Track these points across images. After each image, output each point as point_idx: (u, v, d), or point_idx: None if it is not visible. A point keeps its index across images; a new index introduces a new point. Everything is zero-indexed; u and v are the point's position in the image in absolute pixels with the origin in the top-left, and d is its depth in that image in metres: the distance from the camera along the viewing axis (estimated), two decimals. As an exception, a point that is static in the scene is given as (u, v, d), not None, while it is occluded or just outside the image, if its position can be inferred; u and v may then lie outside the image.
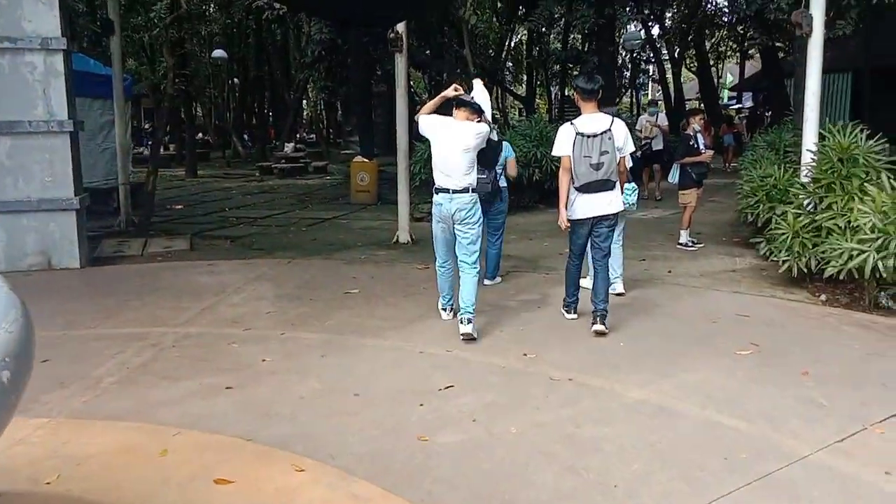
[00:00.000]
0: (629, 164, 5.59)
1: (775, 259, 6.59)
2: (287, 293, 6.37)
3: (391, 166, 17.43)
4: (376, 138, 19.25)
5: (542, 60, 20.54)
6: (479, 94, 5.55)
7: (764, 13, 15.91)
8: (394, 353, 4.68)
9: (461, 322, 4.89)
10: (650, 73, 30.96)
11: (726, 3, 27.61)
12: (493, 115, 6.30)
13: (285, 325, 5.31)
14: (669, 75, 29.38)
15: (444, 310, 5.51)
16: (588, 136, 4.94)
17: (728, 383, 4.07)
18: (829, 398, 3.80)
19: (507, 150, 6.49)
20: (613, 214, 5.16)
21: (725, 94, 39.39)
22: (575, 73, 21.11)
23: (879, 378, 4.10)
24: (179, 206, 13.62)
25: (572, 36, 18.66)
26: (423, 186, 12.05)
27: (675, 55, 28.66)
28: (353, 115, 33.74)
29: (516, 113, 46.01)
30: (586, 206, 5.06)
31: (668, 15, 26.98)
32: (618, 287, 6.16)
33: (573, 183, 5.03)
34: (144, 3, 21.37)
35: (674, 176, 8.75)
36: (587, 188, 4.99)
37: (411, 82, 28.33)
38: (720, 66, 36.84)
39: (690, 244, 8.50)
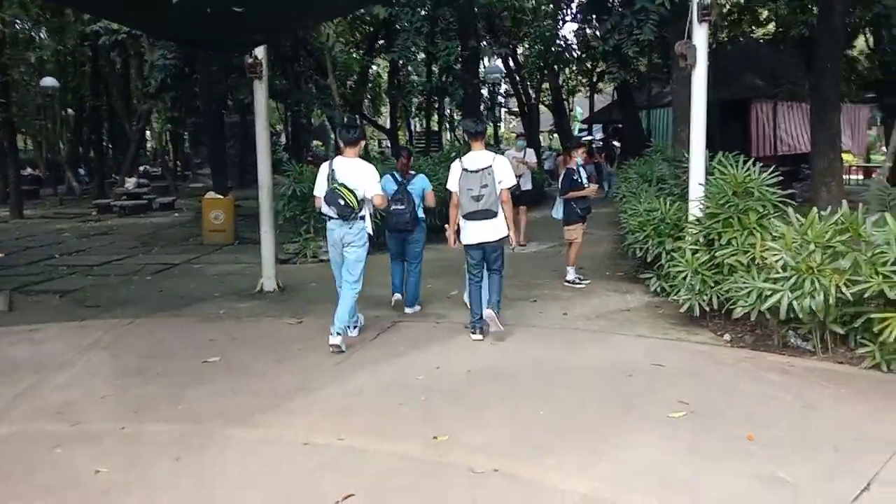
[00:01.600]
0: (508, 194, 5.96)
1: (673, 297, 6.28)
2: (129, 366, 5.21)
3: (246, 201, 16.28)
4: (229, 171, 17.89)
5: (405, 92, 20.17)
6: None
7: (621, 48, 16.37)
8: (270, 447, 3.73)
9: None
10: (506, 107, 31.45)
11: (575, 41, 28.99)
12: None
13: (126, 414, 4.21)
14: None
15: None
16: (472, 172, 5.69)
17: (674, 461, 3.49)
18: (790, 472, 3.30)
19: (425, 182, 6.94)
20: (497, 240, 5.88)
21: (576, 126, 41.02)
22: (437, 105, 20.94)
23: (828, 439, 3.68)
24: (0, 254, 11.69)
25: (435, 67, 18.38)
26: (287, 224, 11.07)
27: (531, 89, 29.32)
28: (204, 147, 31.83)
29: (376, 144, 45.57)
30: (472, 233, 5.87)
31: (520, 51, 27.59)
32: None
33: (460, 212, 5.83)
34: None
35: (557, 211, 8.38)
36: (471, 216, 5.77)
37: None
38: (570, 99, 38.25)
39: (578, 281, 8.12)
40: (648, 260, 7.44)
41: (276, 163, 14.58)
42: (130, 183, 19.93)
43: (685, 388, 4.54)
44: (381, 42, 21.40)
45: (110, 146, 33.67)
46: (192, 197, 24.13)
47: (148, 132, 35.43)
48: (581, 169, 8.19)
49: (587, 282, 8.15)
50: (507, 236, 5.92)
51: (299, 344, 5.74)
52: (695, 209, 6.65)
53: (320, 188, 5.75)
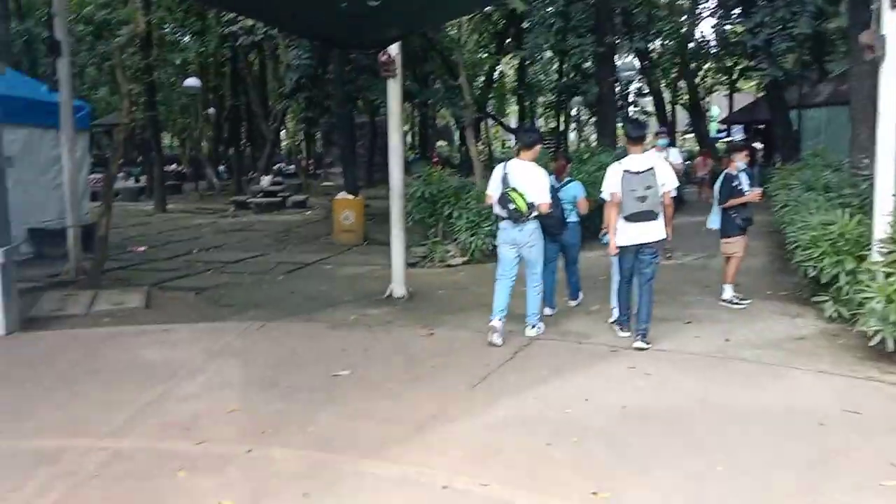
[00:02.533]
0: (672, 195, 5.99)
1: (859, 327, 5.37)
2: (258, 376, 4.99)
3: (374, 200, 16.29)
4: (357, 170, 18.02)
5: (535, 91, 19.59)
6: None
7: (772, 43, 15.04)
8: (407, 490, 3.32)
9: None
10: (638, 106, 30.13)
11: (714, 37, 27.26)
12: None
13: (254, 434, 3.93)
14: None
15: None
16: (635, 173, 5.71)
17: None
18: None
19: (577, 190, 7.01)
20: (655, 242, 5.85)
21: (713, 126, 38.82)
22: (568, 102, 20.19)
23: None
24: (142, 249, 12.19)
25: (566, 65, 17.71)
26: (415, 226, 10.81)
27: (666, 88, 27.93)
28: (335, 147, 32.58)
29: (500, 145, 45.09)
30: (631, 234, 5.82)
31: (652, 47, 26.17)
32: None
33: (621, 214, 5.79)
34: (112, 28, 20.10)
35: (714, 221, 7.53)
36: (633, 218, 5.74)
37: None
38: (707, 98, 36.19)
39: (736, 300, 7.27)
40: (822, 280, 6.51)
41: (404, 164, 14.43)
42: (266, 181, 20.53)
43: (893, 446, 3.75)
44: (508, 41, 20.97)
45: (248, 144, 35.27)
46: (323, 195, 24.65)
47: (283, 132, 36.82)
48: (742, 174, 7.32)
49: (747, 302, 7.27)
50: (664, 238, 5.94)
51: (433, 360, 5.34)
52: (883, 225, 5.70)
53: (494, 188, 5.96)
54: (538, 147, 6.21)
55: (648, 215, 5.70)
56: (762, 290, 7.90)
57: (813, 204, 8.07)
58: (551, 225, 6.35)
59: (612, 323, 6.32)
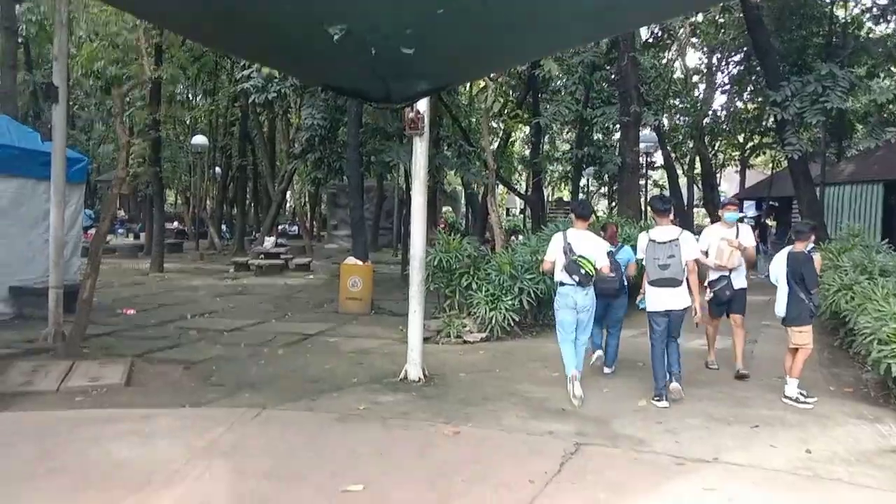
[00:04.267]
0: (694, 266, 6.37)
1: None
2: (249, 490, 4.03)
3: (380, 265, 15.49)
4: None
5: (551, 159, 19.07)
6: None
7: (804, 116, 14.52)
8: None
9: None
10: (654, 180, 29.61)
11: (724, 111, 27.08)
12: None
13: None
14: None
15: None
16: (659, 243, 6.25)
17: None
18: None
19: (629, 254, 7.35)
20: (682, 309, 6.27)
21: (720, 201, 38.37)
22: (588, 169, 19.62)
23: None
24: (131, 311, 11.29)
25: (587, 135, 17.27)
26: (429, 297, 9.94)
27: (680, 161, 27.53)
28: (340, 209, 32.01)
29: (504, 212, 44.64)
30: (657, 300, 6.31)
31: (666, 121, 25.84)
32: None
33: (647, 280, 6.40)
34: (122, 83, 19.75)
35: (781, 306, 6.63)
36: (656, 283, 6.27)
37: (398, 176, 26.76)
38: (719, 174, 35.87)
39: (802, 398, 6.34)
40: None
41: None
42: (269, 242, 19.77)
43: None
44: (521, 109, 20.63)
45: (253, 204, 34.78)
46: (326, 258, 23.91)
47: (288, 193, 36.39)
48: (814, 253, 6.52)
49: (813, 400, 6.33)
50: (691, 306, 6.32)
51: (463, 471, 4.38)
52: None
53: (554, 255, 6.48)
54: (592, 218, 7.13)
55: (671, 282, 6.21)
56: (823, 386, 6.96)
57: (880, 290, 7.23)
58: (614, 288, 6.94)
59: (653, 398, 6.24)
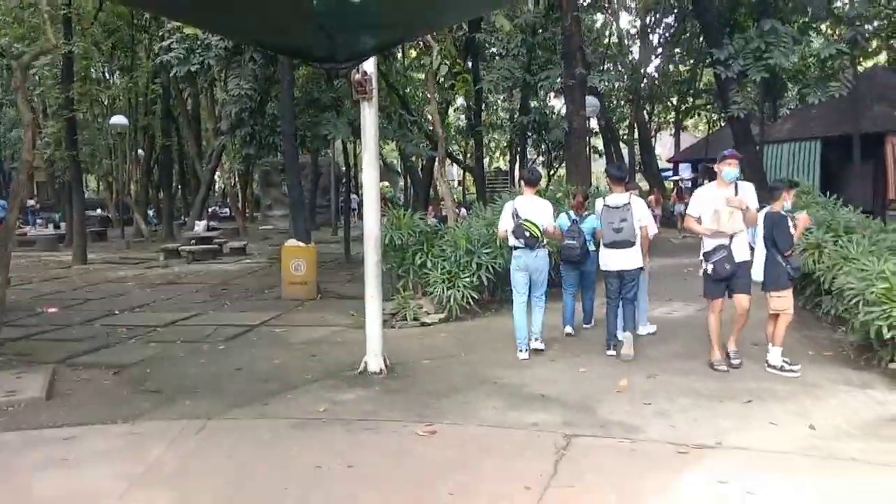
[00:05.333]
0: (651, 233, 7.10)
1: None
2: (200, 525, 3.38)
3: (321, 245, 14.64)
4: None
5: (494, 126, 18.47)
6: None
7: (746, 73, 14.35)
8: None
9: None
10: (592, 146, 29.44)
11: (656, 75, 26.96)
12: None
13: None
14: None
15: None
16: (613, 208, 6.56)
17: None
18: None
19: (595, 222, 7.19)
20: (634, 269, 6.66)
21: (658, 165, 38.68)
22: (527, 140, 19.13)
23: None
24: (53, 309, 10.27)
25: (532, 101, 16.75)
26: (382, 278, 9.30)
27: (615, 126, 27.41)
28: (272, 188, 30.77)
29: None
30: (611, 260, 6.64)
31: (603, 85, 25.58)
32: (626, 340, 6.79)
33: (602, 241, 6.68)
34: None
35: (758, 271, 6.29)
36: (610, 245, 6.57)
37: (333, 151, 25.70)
38: (654, 137, 36.07)
39: (787, 367, 6.02)
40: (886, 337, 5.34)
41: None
42: (200, 226, 18.70)
43: None
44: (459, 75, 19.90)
45: (180, 187, 33.13)
46: (262, 240, 22.89)
47: (218, 173, 34.83)
48: (791, 216, 6.15)
49: (798, 367, 6.02)
50: (641, 267, 6.81)
51: (447, 481, 3.82)
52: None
53: (506, 222, 6.88)
54: (541, 183, 7.75)
55: (624, 244, 6.51)
56: (801, 351, 6.67)
57: (855, 248, 6.98)
58: (576, 255, 7.29)
59: (606, 350, 6.81)
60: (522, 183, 7.25)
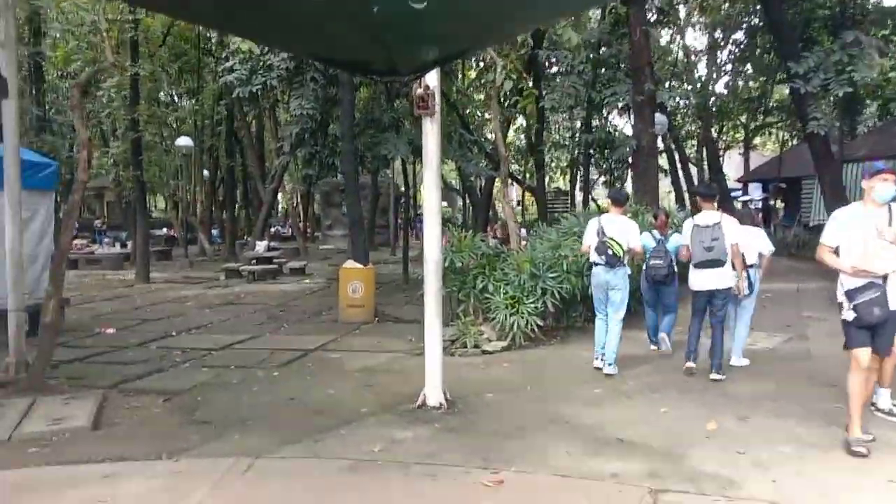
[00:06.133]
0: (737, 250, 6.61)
1: None
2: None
3: (378, 265, 14.35)
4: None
5: (558, 145, 17.97)
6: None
7: (828, 88, 13.51)
8: None
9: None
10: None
11: (727, 90, 25.94)
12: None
13: None
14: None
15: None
16: (703, 227, 6.62)
17: None
18: None
19: (680, 240, 7.20)
20: (725, 289, 6.62)
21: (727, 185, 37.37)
22: (597, 155, 18.49)
23: None
24: (111, 330, 10.21)
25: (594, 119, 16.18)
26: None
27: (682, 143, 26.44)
28: (333, 208, 30.84)
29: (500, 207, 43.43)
30: (701, 280, 6.65)
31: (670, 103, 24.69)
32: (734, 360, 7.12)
33: (692, 261, 6.69)
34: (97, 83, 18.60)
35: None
36: (701, 265, 6.60)
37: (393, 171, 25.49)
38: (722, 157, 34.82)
39: (894, 409, 5.33)
40: None
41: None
42: (261, 246, 18.70)
43: None
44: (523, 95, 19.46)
45: (244, 207, 33.63)
46: (322, 260, 22.84)
47: (280, 193, 35.22)
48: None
49: (911, 412, 5.33)
50: (733, 287, 6.66)
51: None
52: None
53: (590, 239, 6.97)
54: (628, 204, 7.62)
55: (715, 263, 6.50)
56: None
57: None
58: (662, 274, 7.39)
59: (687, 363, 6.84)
60: (609, 202, 7.48)
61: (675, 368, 6.95)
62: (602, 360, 6.98)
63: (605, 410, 5.63)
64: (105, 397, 6.41)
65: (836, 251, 4.87)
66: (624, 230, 6.83)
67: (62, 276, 7.02)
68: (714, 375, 6.50)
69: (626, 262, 6.85)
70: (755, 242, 7.04)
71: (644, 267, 7.67)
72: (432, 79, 5.57)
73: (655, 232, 7.64)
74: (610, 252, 6.69)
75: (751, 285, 6.91)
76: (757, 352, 7.78)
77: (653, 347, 7.88)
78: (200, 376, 7.28)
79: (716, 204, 6.90)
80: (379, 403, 6.00)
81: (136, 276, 16.91)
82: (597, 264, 6.90)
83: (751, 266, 6.94)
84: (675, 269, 7.48)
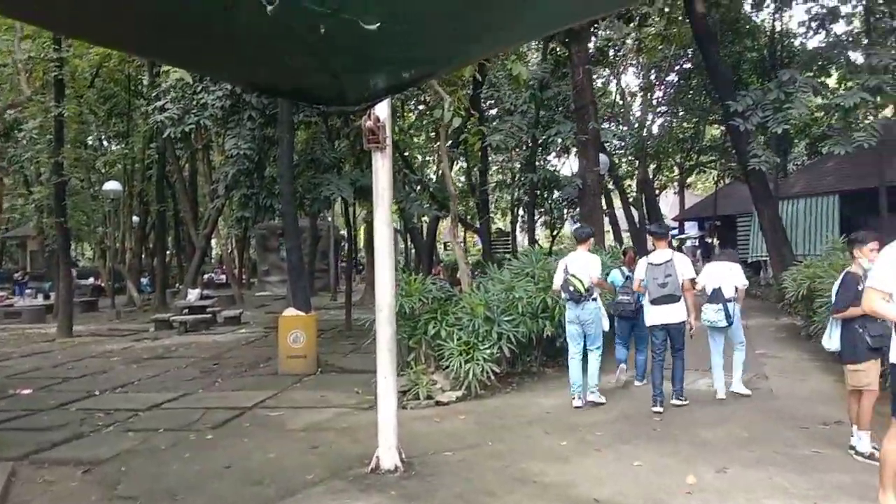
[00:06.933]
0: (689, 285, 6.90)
1: None
2: None
3: (318, 311, 13.65)
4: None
5: (505, 187, 17.78)
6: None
7: (766, 126, 13.74)
8: None
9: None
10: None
11: (661, 131, 26.56)
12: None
13: None
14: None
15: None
16: (656, 265, 6.88)
17: None
18: None
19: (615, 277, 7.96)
20: (679, 322, 6.84)
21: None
22: (537, 199, 18.40)
23: None
24: (27, 391, 9.28)
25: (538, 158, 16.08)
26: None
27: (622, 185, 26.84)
28: (269, 254, 29.94)
29: (441, 248, 43.17)
30: (657, 315, 6.88)
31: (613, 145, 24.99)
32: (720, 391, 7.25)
33: (648, 298, 6.95)
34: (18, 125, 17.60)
35: (832, 339, 5.41)
36: (656, 301, 6.83)
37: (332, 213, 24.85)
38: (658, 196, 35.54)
39: (876, 454, 5.07)
40: None
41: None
42: (193, 295, 17.77)
43: None
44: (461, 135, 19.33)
45: (176, 254, 32.35)
46: (258, 307, 21.94)
47: (214, 238, 34.08)
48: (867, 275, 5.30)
49: (894, 456, 5.06)
50: (687, 320, 6.87)
51: None
52: None
53: (558, 278, 7.16)
54: (591, 240, 7.49)
55: (669, 298, 6.74)
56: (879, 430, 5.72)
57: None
58: (630, 310, 7.67)
59: (652, 406, 6.80)
60: (575, 240, 7.78)
61: (642, 413, 6.62)
62: (580, 398, 7.06)
63: (574, 466, 5.19)
64: (14, 471, 5.66)
65: (891, 297, 3.98)
66: (584, 265, 7.02)
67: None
68: (675, 401, 6.84)
69: (595, 296, 7.02)
70: (731, 277, 7.21)
71: (613, 302, 7.91)
72: (383, 110, 5.16)
73: (624, 268, 8.03)
74: (572, 288, 6.92)
75: (729, 317, 7.06)
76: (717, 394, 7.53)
77: (637, 383, 7.95)
78: (125, 442, 6.53)
79: (667, 242, 7.23)
80: (327, 468, 5.42)
81: (59, 330, 15.77)
82: (567, 300, 7.09)
83: (728, 300, 7.10)
84: (641, 302, 7.58)
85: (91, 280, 30.02)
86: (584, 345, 7.15)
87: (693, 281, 7.02)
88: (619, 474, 4.95)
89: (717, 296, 7.09)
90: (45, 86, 17.08)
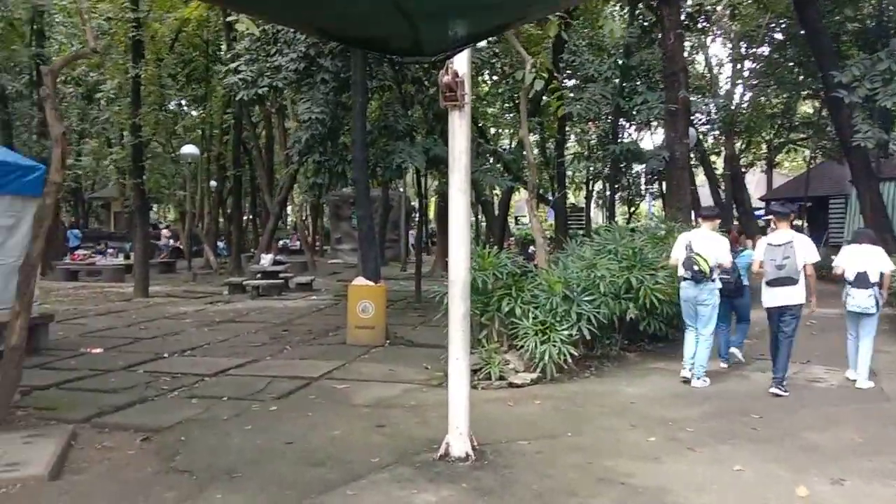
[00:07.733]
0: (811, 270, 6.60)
1: None
2: None
3: (389, 282, 13.35)
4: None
5: (582, 157, 17.02)
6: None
7: (875, 99, 12.55)
8: None
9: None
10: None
11: (749, 106, 24.93)
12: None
13: None
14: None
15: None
16: (775, 245, 6.63)
17: None
18: None
19: (751, 257, 7.47)
20: (795, 305, 6.61)
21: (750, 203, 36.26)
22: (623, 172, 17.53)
23: None
24: (97, 350, 9.30)
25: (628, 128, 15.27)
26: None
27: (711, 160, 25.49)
28: (343, 222, 29.96)
29: (515, 221, 42.39)
30: (773, 296, 6.66)
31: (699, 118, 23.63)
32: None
33: (764, 279, 6.70)
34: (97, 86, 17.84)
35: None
36: (773, 283, 6.61)
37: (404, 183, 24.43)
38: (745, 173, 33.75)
39: None
40: None
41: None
42: (266, 259, 17.81)
43: None
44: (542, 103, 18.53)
45: (252, 219, 32.78)
46: (330, 275, 21.94)
47: (289, 206, 34.35)
48: None
49: None
50: (803, 304, 6.63)
51: None
52: None
53: (678, 253, 7.05)
54: (717, 220, 7.46)
55: (786, 281, 6.53)
56: None
57: None
58: (731, 289, 7.43)
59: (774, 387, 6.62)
60: (700, 218, 7.77)
61: (738, 409, 6.00)
62: (691, 371, 7.01)
63: (666, 467, 4.65)
64: (75, 434, 5.51)
65: None
66: (713, 246, 6.89)
67: (31, 292, 6.11)
68: (773, 390, 6.53)
69: (714, 277, 6.85)
70: (875, 261, 6.81)
71: None
72: (462, 64, 4.66)
73: (726, 244, 7.62)
74: (696, 268, 6.76)
75: (878, 303, 6.77)
76: (823, 390, 6.82)
77: (723, 365, 7.72)
78: (188, 409, 6.34)
79: (789, 223, 6.90)
80: (393, 451, 5.04)
81: (135, 290, 16.03)
82: (684, 279, 6.97)
83: (873, 285, 6.75)
84: (745, 283, 7.62)
85: (170, 242, 30.77)
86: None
87: (814, 265, 6.64)
88: (718, 481, 4.39)
89: (863, 280, 6.70)
90: (126, 49, 17.27)
